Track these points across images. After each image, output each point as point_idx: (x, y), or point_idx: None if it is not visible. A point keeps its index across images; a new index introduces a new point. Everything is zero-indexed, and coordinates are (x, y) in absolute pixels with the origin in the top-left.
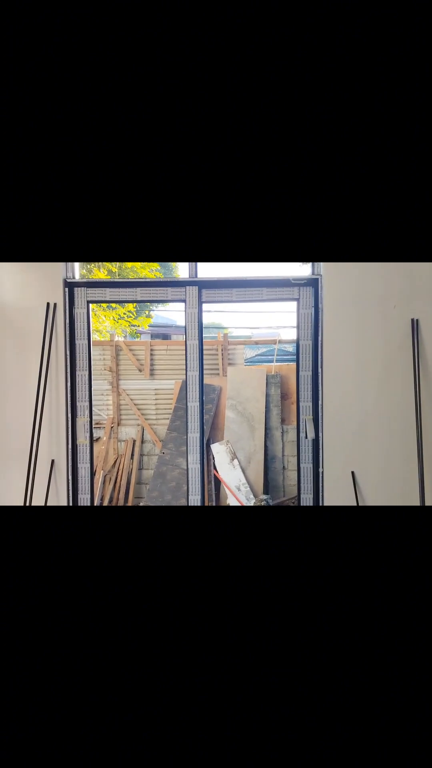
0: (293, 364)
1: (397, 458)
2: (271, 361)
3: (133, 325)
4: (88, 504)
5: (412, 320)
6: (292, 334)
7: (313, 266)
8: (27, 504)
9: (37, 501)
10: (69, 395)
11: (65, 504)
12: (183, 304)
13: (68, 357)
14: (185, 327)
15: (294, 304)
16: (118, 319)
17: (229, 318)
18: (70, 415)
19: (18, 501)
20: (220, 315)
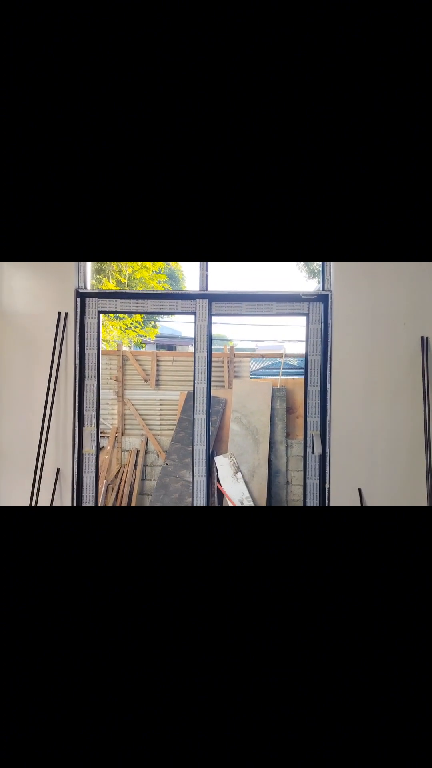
0: (299, 378)
1: (405, 476)
2: (277, 375)
3: (140, 336)
4: None
5: (422, 338)
6: (297, 348)
7: (323, 281)
8: None
9: None
10: (77, 404)
11: None
12: (192, 316)
13: (77, 366)
14: (194, 339)
15: (303, 319)
16: (125, 329)
17: (234, 330)
18: (77, 423)
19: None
20: (225, 327)
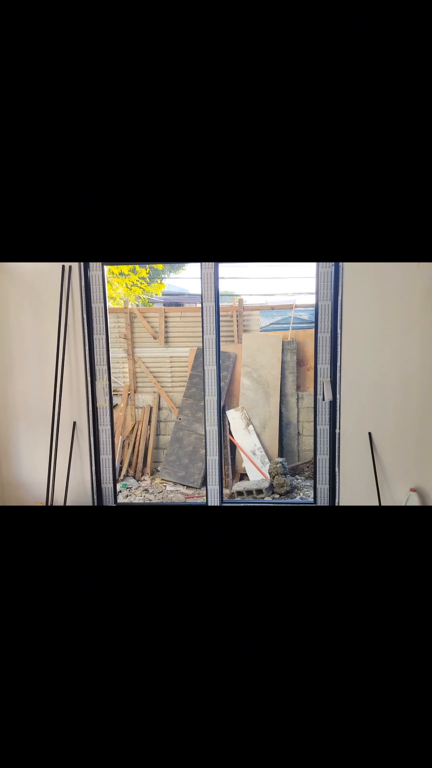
0: (309, 331)
1: (414, 419)
2: (287, 329)
3: (147, 293)
4: (111, 464)
5: None
6: (307, 300)
7: None
8: (53, 464)
9: (62, 460)
10: (88, 359)
11: (89, 464)
12: (199, 266)
13: (85, 321)
14: (201, 288)
15: (313, 264)
16: (131, 286)
17: (243, 285)
18: (89, 378)
19: (44, 460)
20: (234, 282)
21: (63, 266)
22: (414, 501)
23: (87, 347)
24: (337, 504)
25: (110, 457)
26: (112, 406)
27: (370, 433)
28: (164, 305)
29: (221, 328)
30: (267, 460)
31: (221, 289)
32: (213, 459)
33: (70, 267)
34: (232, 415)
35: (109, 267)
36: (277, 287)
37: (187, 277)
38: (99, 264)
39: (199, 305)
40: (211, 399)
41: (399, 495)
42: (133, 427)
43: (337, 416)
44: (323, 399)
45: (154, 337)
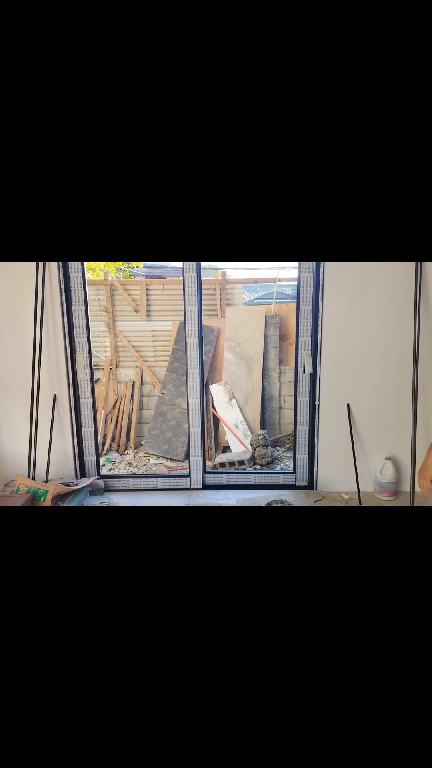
0: (292, 305)
1: (391, 392)
2: (270, 303)
3: (128, 266)
4: (93, 436)
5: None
6: (292, 274)
7: None
8: (33, 437)
9: (42, 433)
10: (66, 330)
11: (70, 437)
12: None
13: (63, 291)
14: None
15: None
16: None
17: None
18: (69, 350)
19: (24, 433)
20: None
21: None
22: (388, 469)
23: (66, 319)
24: (315, 472)
25: (92, 430)
26: (93, 380)
27: (348, 405)
28: (146, 278)
29: (204, 302)
30: (249, 433)
31: (205, 264)
32: (196, 431)
33: None
34: (215, 389)
35: None
36: (259, 263)
37: None
38: None
39: (182, 278)
40: (193, 372)
41: (375, 464)
42: (115, 402)
43: (317, 388)
44: (304, 371)
45: (136, 311)
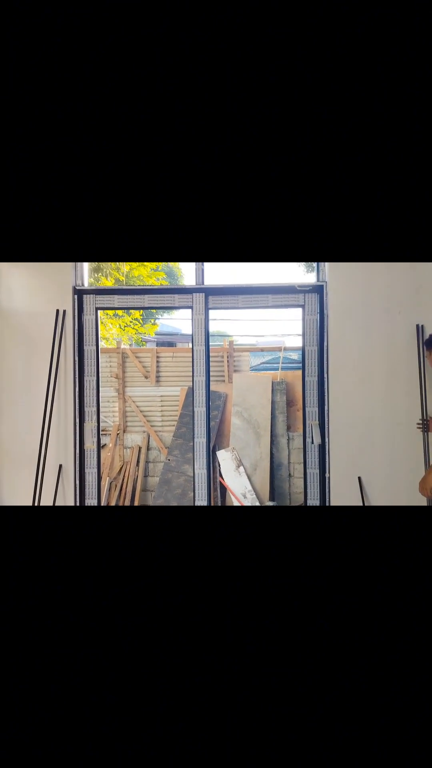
0: (298, 372)
1: (403, 463)
2: (277, 369)
3: (140, 333)
4: None
5: (417, 326)
6: (296, 342)
7: (318, 273)
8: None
9: (46, 504)
10: (77, 400)
11: None
12: (190, 310)
13: (77, 363)
14: (192, 333)
15: (299, 310)
16: (125, 326)
17: (234, 326)
18: (78, 420)
19: (26, 504)
20: (225, 323)
21: (57, 310)
22: None
23: (77, 388)
24: None
25: (95, 501)
26: (99, 448)
27: (360, 478)
28: (157, 345)
29: (212, 369)
30: (258, 502)
31: (212, 329)
32: (202, 503)
33: (64, 311)
34: (222, 456)
35: (103, 310)
36: (266, 328)
37: (179, 318)
38: (93, 308)
39: (191, 345)
40: (200, 441)
41: None
42: (120, 468)
43: (327, 460)
44: (312, 442)
45: (146, 377)
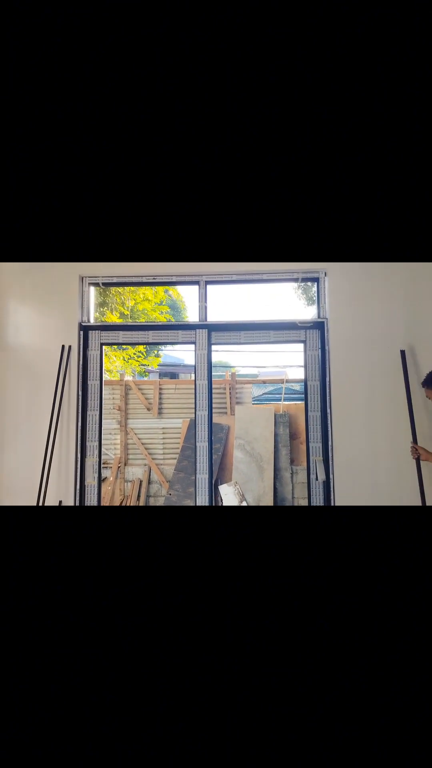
0: (301, 403)
1: (408, 500)
2: (279, 400)
3: (143, 365)
4: None
5: (401, 351)
6: (299, 373)
7: (318, 309)
8: None
9: None
10: (79, 434)
11: None
12: (192, 345)
13: (80, 397)
14: (195, 368)
15: (301, 345)
16: (128, 359)
17: (237, 357)
18: (79, 455)
19: None
20: (228, 354)
21: (63, 346)
22: None
23: (80, 423)
24: None
25: None
26: (100, 483)
27: None
28: (160, 376)
29: (214, 401)
30: None
31: (214, 359)
32: None
33: (69, 347)
34: (224, 490)
35: (108, 345)
36: (268, 359)
37: (182, 350)
38: (98, 344)
39: (193, 377)
40: (202, 477)
41: None
42: (121, 503)
43: (332, 497)
44: (317, 479)
45: (148, 409)
